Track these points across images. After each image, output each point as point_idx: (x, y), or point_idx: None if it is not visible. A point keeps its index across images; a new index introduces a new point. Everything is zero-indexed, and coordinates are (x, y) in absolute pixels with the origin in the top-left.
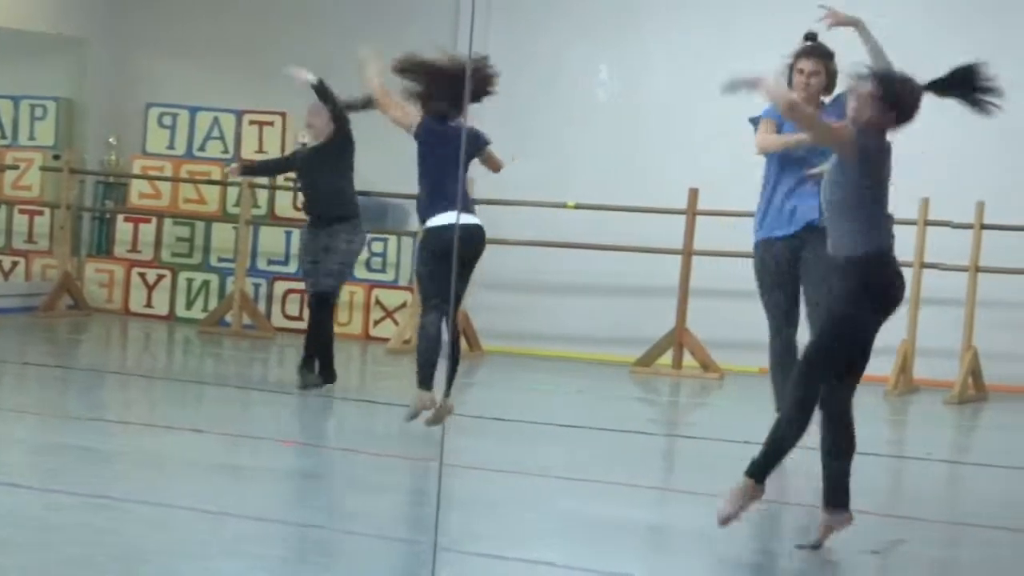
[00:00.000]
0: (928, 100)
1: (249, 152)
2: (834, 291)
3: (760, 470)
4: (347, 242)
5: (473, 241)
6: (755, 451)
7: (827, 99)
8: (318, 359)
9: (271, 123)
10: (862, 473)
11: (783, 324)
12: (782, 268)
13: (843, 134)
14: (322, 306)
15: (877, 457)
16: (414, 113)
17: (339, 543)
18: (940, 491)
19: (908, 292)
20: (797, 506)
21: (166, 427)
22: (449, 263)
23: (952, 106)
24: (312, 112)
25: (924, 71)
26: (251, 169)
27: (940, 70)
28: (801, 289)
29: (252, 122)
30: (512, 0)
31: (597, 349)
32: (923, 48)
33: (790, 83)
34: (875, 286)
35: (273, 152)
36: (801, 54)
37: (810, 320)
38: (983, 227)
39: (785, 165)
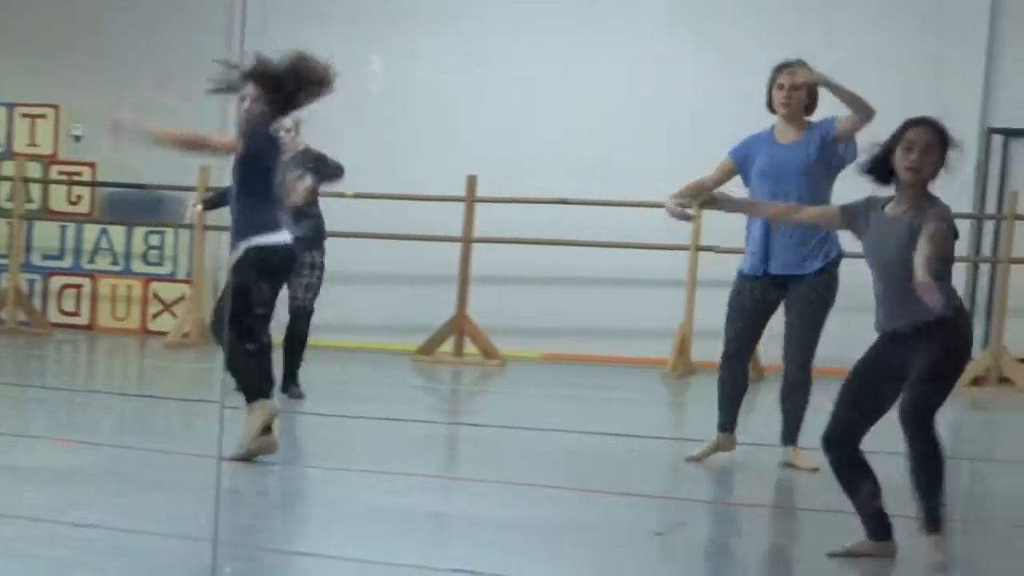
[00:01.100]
0: None
1: (21, 145)
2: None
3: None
4: (321, 255)
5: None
6: (539, 438)
7: (811, 119)
8: (287, 369)
9: (44, 116)
10: (646, 456)
11: None
12: None
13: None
14: (305, 319)
15: (657, 439)
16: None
17: (118, 542)
18: (719, 472)
19: (685, 274)
20: (590, 492)
21: None
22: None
23: None
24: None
25: None
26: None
27: None
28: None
29: (24, 115)
30: None
31: (378, 338)
32: None
33: (770, 99)
34: None
35: (46, 146)
36: (781, 68)
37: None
38: None
39: None
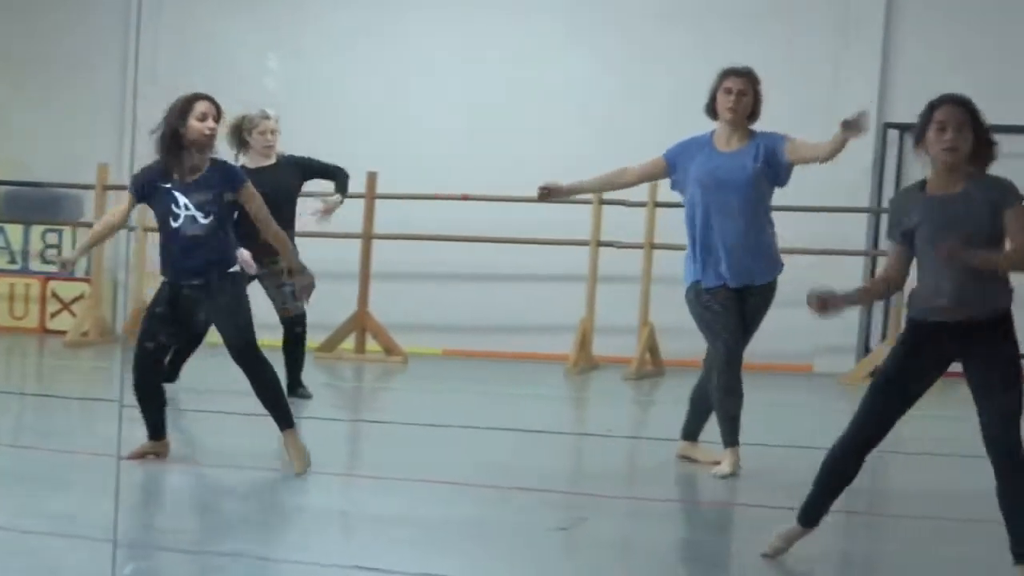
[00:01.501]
0: None
1: None
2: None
3: None
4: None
5: None
6: (441, 434)
7: (753, 127)
8: (290, 374)
9: None
10: (546, 452)
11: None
12: None
13: None
14: (299, 321)
15: (559, 435)
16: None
17: (17, 543)
18: (621, 467)
19: (586, 270)
20: (492, 488)
21: None
22: None
23: None
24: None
25: None
26: None
27: None
28: None
29: None
30: None
31: (279, 336)
32: None
33: (714, 103)
34: None
35: None
36: (729, 72)
37: None
38: (648, 205)
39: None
